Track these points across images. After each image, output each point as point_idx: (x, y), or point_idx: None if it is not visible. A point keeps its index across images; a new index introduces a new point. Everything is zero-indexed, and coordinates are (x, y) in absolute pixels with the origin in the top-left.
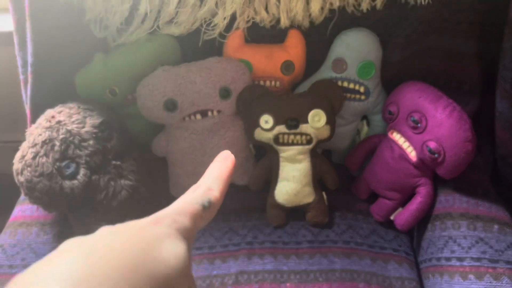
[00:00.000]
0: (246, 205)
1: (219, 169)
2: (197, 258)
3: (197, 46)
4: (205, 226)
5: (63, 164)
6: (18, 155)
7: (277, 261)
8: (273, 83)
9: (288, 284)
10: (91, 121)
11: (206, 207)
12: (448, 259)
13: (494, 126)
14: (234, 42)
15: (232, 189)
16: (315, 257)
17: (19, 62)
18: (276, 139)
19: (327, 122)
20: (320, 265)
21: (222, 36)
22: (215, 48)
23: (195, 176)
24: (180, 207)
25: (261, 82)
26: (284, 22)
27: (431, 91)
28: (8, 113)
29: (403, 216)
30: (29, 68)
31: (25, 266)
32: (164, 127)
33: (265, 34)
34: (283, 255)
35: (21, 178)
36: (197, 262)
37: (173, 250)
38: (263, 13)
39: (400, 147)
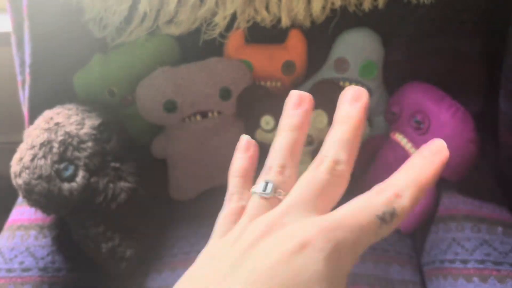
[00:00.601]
0: None
1: (421, 168)
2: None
3: (197, 46)
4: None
5: (62, 166)
6: (16, 157)
7: None
8: (274, 83)
9: None
10: (90, 123)
11: (386, 221)
12: (451, 261)
13: (498, 126)
14: (234, 42)
15: None
16: None
17: (17, 63)
18: None
19: (329, 123)
20: None
21: (223, 36)
22: (215, 48)
23: (195, 178)
24: (351, 215)
25: (262, 83)
26: (285, 21)
27: (434, 91)
28: (6, 114)
29: (406, 218)
30: (27, 69)
31: (23, 270)
32: (163, 128)
33: (266, 34)
34: None
35: (19, 181)
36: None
37: None
38: (264, 13)
39: (403, 148)
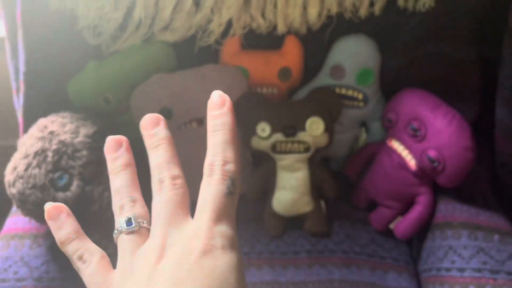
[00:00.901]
0: (243, 214)
1: (222, 131)
2: None
3: (193, 53)
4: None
5: (56, 175)
6: (10, 166)
7: (275, 271)
8: (270, 90)
9: None
10: (85, 131)
11: (233, 191)
12: (448, 269)
13: (494, 133)
14: (230, 48)
15: None
16: (314, 267)
17: (11, 70)
18: (273, 147)
19: (325, 130)
20: (319, 276)
21: (218, 42)
22: (211, 55)
23: (192, 185)
24: (213, 210)
25: (258, 89)
26: (281, 28)
27: (431, 98)
28: (4, 118)
29: (402, 225)
30: (21, 77)
31: (18, 280)
32: None
33: (261, 41)
34: (281, 266)
35: (13, 190)
36: None
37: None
38: (260, 19)
39: (399, 155)
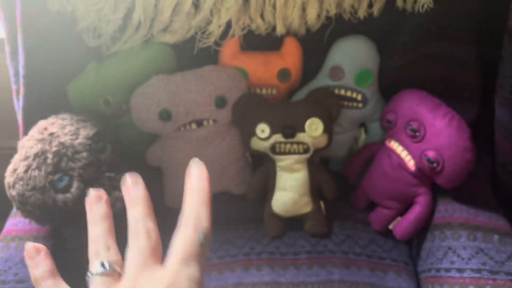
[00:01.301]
0: (243, 215)
1: (199, 194)
2: None
3: (192, 54)
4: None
5: (56, 177)
6: (10, 168)
7: (275, 272)
8: (269, 91)
9: None
10: (85, 133)
11: (203, 243)
12: (447, 270)
13: (493, 134)
14: (229, 50)
15: (228, 199)
16: (313, 268)
17: (11, 72)
18: (272, 148)
19: (325, 131)
20: (319, 276)
21: (218, 44)
22: (210, 56)
23: None
24: (183, 254)
25: (257, 90)
26: (280, 29)
27: (430, 99)
28: (6, 119)
29: (401, 226)
30: (21, 79)
31: (18, 281)
32: (158, 137)
33: (261, 42)
34: (280, 266)
35: (13, 192)
36: None
37: None
38: (259, 21)
39: (398, 156)
